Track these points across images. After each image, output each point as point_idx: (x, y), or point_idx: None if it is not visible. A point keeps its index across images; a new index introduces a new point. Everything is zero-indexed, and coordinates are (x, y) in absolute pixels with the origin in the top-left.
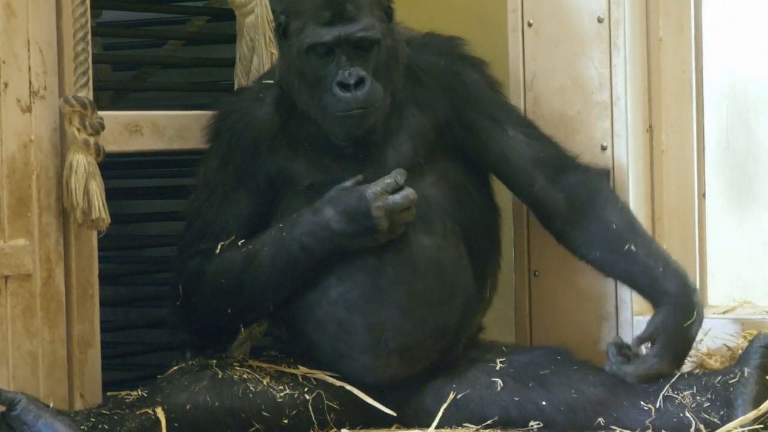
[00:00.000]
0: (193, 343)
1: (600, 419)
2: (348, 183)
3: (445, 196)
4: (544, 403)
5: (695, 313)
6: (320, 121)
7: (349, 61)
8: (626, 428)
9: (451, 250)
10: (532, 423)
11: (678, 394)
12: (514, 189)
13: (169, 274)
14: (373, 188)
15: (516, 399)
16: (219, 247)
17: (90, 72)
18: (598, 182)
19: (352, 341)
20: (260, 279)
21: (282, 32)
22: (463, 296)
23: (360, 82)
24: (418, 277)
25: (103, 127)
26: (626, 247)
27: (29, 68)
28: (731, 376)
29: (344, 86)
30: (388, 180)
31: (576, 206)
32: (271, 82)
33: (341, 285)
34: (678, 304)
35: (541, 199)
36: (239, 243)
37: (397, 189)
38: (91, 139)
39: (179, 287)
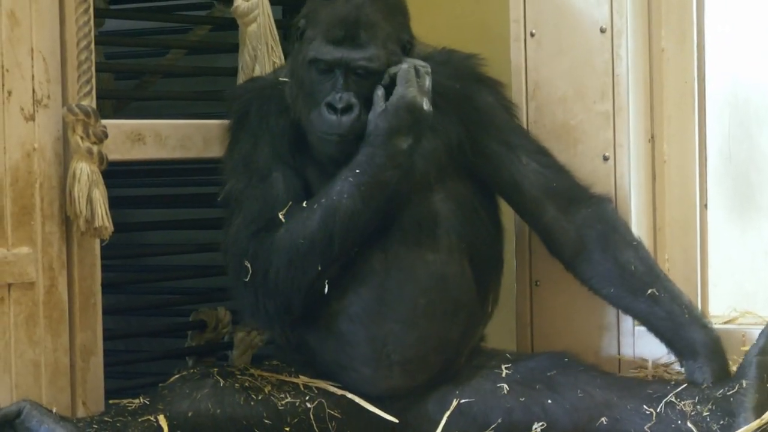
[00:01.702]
0: (270, 320)
1: (603, 419)
2: None
3: (452, 213)
4: (549, 401)
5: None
6: (307, 132)
7: (345, 84)
8: (625, 430)
9: (455, 265)
10: (535, 425)
11: (680, 401)
12: (524, 216)
13: (170, 283)
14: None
15: (522, 400)
16: (287, 207)
17: (93, 81)
18: (611, 216)
19: (354, 353)
20: (349, 217)
21: (299, 35)
22: (465, 311)
23: (348, 108)
24: (422, 292)
25: (106, 136)
26: (649, 291)
27: (32, 76)
28: (730, 388)
29: (332, 108)
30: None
31: (588, 240)
32: (286, 80)
33: (344, 297)
34: (714, 351)
35: (551, 230)
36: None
37: None
38: (95, 148)
39: (245, 265)
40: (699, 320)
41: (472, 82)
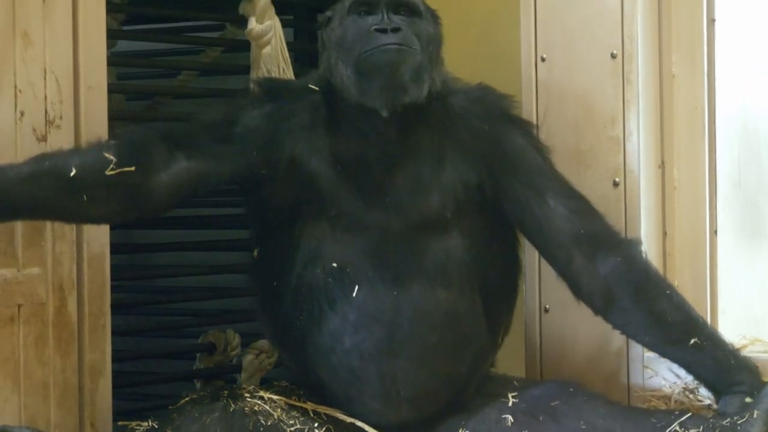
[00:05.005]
0: None
1: None
2: None
3: (466, 250)
4: None
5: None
6: (352, 88)
7: (391, 15)
8: None
9: (467, 301)
10: None
11: (685, 431)
12: (550, 261)
13: (180, 304)
14: None
15: None
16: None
17: None
18: (642, 264)
19: (364, 388)
20: None
21: (324, 26)
22: (475, 345)
23: (398, 29)
24: (433, 330)
25: None
26: (692, 342)
27: (45, 97)
28: (740, 417)
29: (381, 30)
30: None
31: (619, 290)
32: (314, 87)
33: (357, 334)
34: (756, 390)
35: (579, 277)
36: None
37: None
38: None
39: None
40: (745, 364)
41: (503, 123)
